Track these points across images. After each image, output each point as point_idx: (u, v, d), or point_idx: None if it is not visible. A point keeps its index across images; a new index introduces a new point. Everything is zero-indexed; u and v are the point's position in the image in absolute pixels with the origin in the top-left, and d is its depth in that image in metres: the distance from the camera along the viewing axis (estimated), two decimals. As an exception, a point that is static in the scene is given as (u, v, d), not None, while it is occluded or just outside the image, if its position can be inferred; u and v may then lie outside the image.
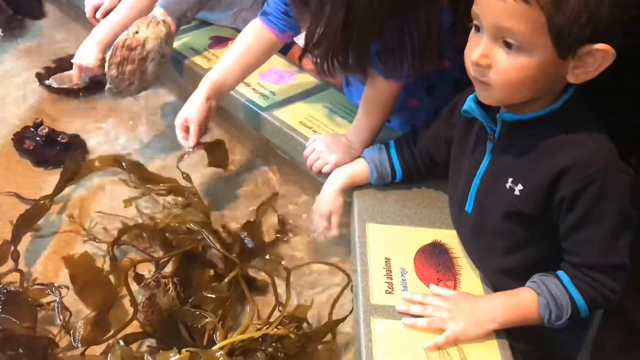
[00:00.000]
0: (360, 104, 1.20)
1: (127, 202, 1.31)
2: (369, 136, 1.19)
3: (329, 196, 1.14)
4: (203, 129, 1.25)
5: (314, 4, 1.03)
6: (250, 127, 1.45)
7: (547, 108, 0.86)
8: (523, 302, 0.89)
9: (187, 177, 1.34)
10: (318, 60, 1.08)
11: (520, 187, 0.88)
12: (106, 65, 1.35)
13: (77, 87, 1.57)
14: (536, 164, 0.86)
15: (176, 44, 1.49)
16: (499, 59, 0.81)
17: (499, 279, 0.97)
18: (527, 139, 0.88)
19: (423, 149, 1.11)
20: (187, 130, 1.23)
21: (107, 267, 1.18)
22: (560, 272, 0.89)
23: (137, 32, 1.33)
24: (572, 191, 0.83)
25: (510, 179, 0.89)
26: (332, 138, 1.24)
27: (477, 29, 0.83)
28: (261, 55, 1.29)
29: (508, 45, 0.80)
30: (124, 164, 1.38)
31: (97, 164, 1.39)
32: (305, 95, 1.43)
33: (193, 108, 1.23)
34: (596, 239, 0.85)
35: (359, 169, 1.15)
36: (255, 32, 1.27)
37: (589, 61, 0.79)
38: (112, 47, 1.35)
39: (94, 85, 1.60)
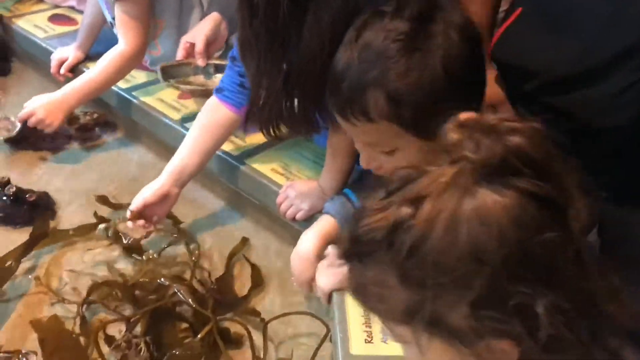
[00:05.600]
0: (327, 149, 1.18)
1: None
2: (340, 180, 1.17)
3: (304, 264, 1.05)
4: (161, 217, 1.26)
5: (252, 71, 1.03)
6: (222, 177, 1.43)
7: None
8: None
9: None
10: (264, 124, 1.07)
11: None
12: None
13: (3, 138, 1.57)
14: None
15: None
16: (385, 161, 0.90)
17: None
18: None
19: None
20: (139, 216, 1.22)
21: (77, 329, 1.13)
22: None
23: None
24: None
25: None
26: (304, 184, 1.24)
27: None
28: (221, 135, 1.26)
29: (386, 153, 0.88)
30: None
31: (71, 232, 1.34)
32: (276, 142, 1.42)
33: (149, 193, 1.22)
34: None
35: (326, 227, 1.07)
36: (211, 111, 1.25)
37: None
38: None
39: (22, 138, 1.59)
